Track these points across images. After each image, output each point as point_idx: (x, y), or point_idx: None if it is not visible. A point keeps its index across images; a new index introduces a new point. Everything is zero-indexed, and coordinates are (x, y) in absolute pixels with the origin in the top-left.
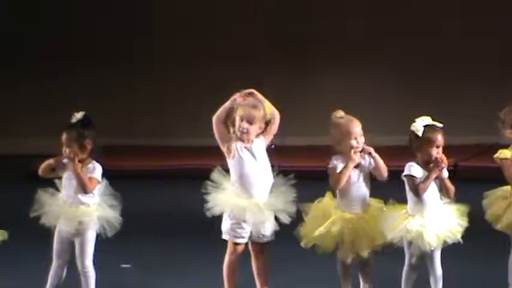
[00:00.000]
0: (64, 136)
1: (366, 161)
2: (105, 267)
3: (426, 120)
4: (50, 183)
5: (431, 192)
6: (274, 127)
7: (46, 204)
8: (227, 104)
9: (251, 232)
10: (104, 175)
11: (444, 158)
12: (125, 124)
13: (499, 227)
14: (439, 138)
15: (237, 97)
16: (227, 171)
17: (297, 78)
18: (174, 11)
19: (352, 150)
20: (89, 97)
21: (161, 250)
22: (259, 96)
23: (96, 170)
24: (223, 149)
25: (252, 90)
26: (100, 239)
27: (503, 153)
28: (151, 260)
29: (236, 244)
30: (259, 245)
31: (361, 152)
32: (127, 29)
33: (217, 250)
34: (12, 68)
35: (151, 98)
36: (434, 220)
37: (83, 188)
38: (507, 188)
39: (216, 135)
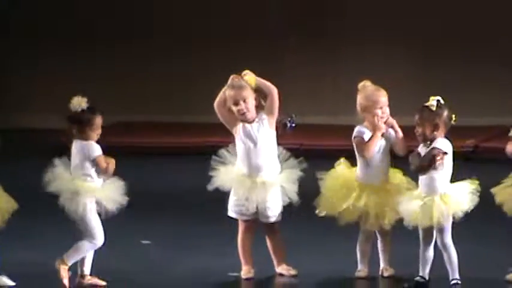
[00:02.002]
0: (98, 119)
1: (391, 134)
2: (125, 244)
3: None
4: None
5: (443, 171)
6: (274, 104)
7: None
8: (224, 89)
9: (257, 212)
10: (122, 152)
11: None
12: (141, 101)
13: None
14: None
15: (231, 80)
16: None
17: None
18: None
19: (376, 119)
20: (108, 76)
21: (179, 227)
22: (253, 75)
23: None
24: (233, 131)
25: (247, 71)
26: (117, 216)
27: None
28: (169, 237)
29: (243, 221)
30: (268, 226)
31: (384, 122)
32: (147, 9)
33: (235, 227)
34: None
35: (169, 75)
36: (445, 197)
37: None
38: None
39: (222, 121)
